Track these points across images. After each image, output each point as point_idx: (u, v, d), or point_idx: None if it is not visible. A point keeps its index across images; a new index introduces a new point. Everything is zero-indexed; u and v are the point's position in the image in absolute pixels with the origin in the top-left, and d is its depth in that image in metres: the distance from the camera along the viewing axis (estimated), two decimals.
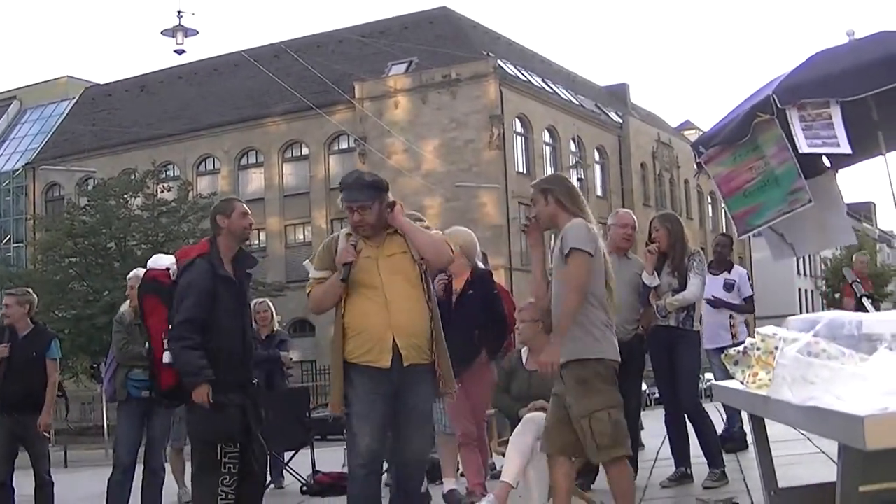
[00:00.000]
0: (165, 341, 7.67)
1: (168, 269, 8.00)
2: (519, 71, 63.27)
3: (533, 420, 7.88)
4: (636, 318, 9.41)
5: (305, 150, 64.05)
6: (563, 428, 6.80)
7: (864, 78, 7.60)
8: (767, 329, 3.10)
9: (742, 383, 3.40)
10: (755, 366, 3.26)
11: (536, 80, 64.86)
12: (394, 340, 6.85)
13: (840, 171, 9.29)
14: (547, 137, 63.85)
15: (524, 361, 8.67)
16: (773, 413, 3.27)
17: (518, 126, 61.28)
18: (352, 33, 67.50)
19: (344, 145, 62.69)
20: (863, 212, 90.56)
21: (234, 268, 7.87)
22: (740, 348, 3.38)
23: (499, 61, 60.34)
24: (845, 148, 7.51)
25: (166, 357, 7.65)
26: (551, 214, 7.00)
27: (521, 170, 60.34)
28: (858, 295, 8.06)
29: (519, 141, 61.40)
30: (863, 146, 8.42)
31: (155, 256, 8.67)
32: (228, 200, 8.37)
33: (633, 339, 9.20)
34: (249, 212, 8.12)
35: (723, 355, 3.63)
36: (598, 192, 66.07)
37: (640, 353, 9.55)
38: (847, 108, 7.60)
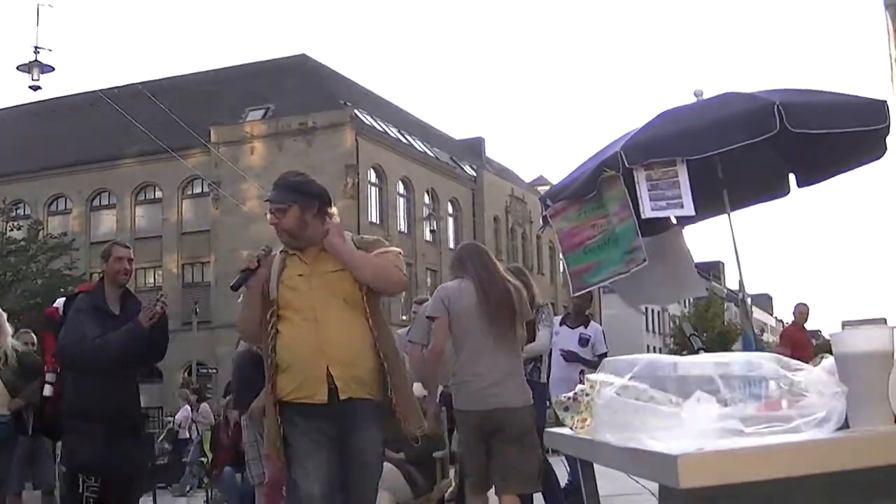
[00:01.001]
0: (48, 374, 8.32)
1: (58, 308, 8.43)
2: (375, 121, 63.52)
3: None
4: None
5: (159, 194, 63.35)
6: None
7: (711, 137, 7.81)
8: (597, 375, 3.20)
9: (571, 429, 3.50)
10: (584, 411, 3.35)
11: (392, 131, 65.21)
12: (328, 371, 5.89)
13: (686, 227, 9.55)
14: (401, 188, 64.15)
15: None
16: (598, 456, 3.37)
17: (373, 176, 61.42)
18: (209, 77, 67.20)
19: (198, 189, 62.09)
20: (712, 271, 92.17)
21: (121, 309, 8.14)
22: (570, 394, 3.48)
23: (356, 111, 60.60)
24: (689, 210, 7.72)
25: (46, 390, 8.25)
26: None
27: (374, 220, 60.47)
28: (696, 348, 8.27)
29: (373, 191, 61.55)
30: (708, 204, 8.62)
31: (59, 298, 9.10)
32: (110, 244, 8.54)
33: None
34: (128, 256, 8.34)
35: (554, 401, 3.71)
36: (451, 244, 66.09)
37: None
38: (693, 166, 7.81)
